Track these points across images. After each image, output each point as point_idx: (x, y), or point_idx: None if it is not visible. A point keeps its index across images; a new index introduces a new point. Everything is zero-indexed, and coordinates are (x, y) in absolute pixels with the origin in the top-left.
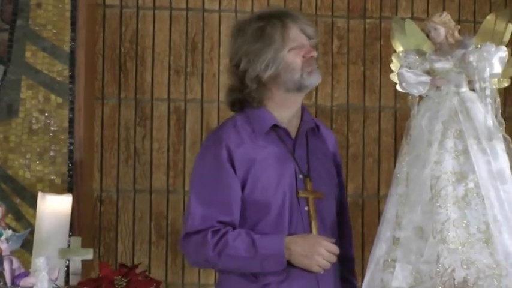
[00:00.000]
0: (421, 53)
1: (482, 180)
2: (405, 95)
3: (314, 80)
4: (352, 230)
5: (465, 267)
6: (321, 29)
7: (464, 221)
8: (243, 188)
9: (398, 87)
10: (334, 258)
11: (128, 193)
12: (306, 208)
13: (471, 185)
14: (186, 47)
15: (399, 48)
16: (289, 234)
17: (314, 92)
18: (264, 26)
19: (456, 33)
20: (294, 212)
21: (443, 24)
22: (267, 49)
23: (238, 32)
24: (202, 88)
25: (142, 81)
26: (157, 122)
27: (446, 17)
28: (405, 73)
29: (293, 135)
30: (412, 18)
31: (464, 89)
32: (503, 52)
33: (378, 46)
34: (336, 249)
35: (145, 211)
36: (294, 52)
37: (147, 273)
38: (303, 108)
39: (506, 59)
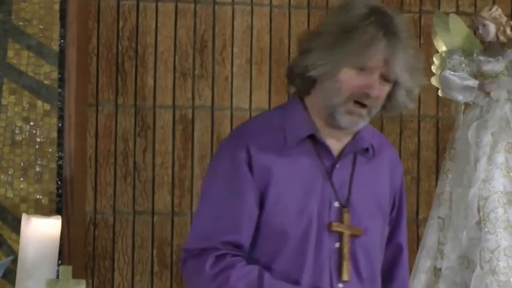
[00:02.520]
0: (467, 53)
1: None
2: (449, 102)
3: (346, 123)
4: (408, 282)
5: None
6: None
7: None
8: (260, 205)
9: (440, 93)
10: None
11: (127, 215)
12: (338, 245)
13: None
14: (194, 45)
15: (442, 47)
16: (314, 277)
17: None
18: (358, 23)
19: (508, 31)
20: (322, 248)
21: (493, 20)
22: (334, 49)
23: (340, 9)
24: (213, 93)
25: (143, 85)
26: (161, 132)
27: (497, 11)
28: (449, 76)
29: (336, 153)
30: (457, 12)
31: None
32: None
33: (418, 44)
34: None
35: (146, 236)
36: (356, 75)
37: None
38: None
39: None
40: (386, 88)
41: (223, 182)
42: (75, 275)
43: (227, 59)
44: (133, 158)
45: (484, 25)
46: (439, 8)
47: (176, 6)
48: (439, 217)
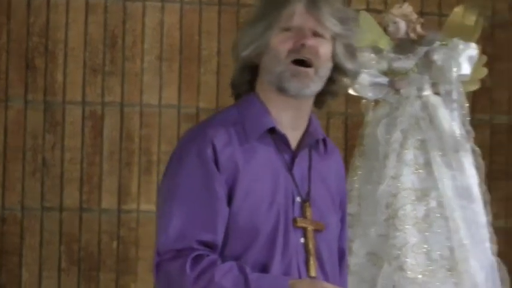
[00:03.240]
0: (377, 51)
1: (446, 198)
2: (358, 99)
3: (295, 86)
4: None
5: None
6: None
7: (425, 246)
8: (229, 201)
9: (349, 90)
10: None
11: (35, 211)
12: (302, 240)
13: (433, 204)
14: (105, 41)
15: None
16: (284, 273)
17: None
18: None
19: (418, 28)
20: (289, 243)
21: (404, 17)
22: (256, 23)
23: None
24: (123, 90)
25: (53, 81)
26: (70, 128)
27: (407, 8)
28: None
29: (293, 147)
30: (368, 10)
31: (427, 92)
32: (472, 50)
33: None
34: None
35: (54, 232)
36: (285, 36)
37: None
38: (311, 117)
39: (477, 58)
40: (325, 44)
41: (193, 180)
42: None
43: (137, 56)
44: (43, 154)
45: (394, 22)
46: (349, 6)
47: (87, 2)
48: (348, 214)
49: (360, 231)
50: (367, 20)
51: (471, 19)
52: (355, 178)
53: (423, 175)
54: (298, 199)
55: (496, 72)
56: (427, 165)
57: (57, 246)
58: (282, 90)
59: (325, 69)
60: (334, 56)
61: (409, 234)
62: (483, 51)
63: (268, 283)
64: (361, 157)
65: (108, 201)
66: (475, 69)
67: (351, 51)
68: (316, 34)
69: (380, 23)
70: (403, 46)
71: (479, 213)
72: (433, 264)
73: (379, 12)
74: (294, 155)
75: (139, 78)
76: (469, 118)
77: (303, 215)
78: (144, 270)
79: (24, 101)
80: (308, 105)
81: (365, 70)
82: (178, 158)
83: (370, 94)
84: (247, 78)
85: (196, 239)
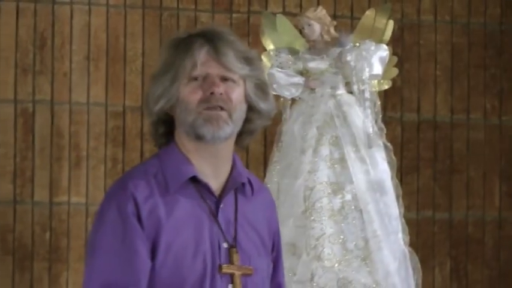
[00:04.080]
0: (293, 52)
1: (360, 191)
2: (276, 98)
3: (208, 131)
4: None
5: (342, 287)
6: (183, 24)
7: (341, 237)
8: (152, 256)
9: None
10: None
11: None
12: (230, 286)
13: (348, 197)
14: (34, 43)
15: (269, 46)
16: None
17: None
18: (174, 47)
19: (332, 30)
20: None
21: (318, 20)
22: (164, 76)
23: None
24: (52, 88)
25: None
26: (3, 125)
27: (321, 12)
28: (276, 73)
29: (217, 193)
30: (284, 13)
31: (341, 91)
32: (383, 51)
33: (246, 43)
34: None
35: None
36: (193, 85)
37: None
38: (234, 160)
39: (388, 59)
40: (235, 87)
41: (114, 236)
42: None
43: (66, 56)
44: None
45: (309, 25)
46: (266, 9)
47: (17, 6)
48: None
49: (279, 223)
50: (283, 22)
51: (382, 22)
52: (274, 172)
53: (338, 170)
54: (224, 245)
55: (405, 72)
56: (342, 160)
57: None
58: (198, 137)
59: (239, 112)
60: (246, 97)
61: (326, 226)
62: (393, 53)
63: None
64: (280, 152)
65: (40, 194)
66: (386, 70)
67: (263, 90)
68: (224, 79)
69: (296, 26)
70: (318, 47)
71: (392, 206)
72: (349, 254)
73: (294, 15)
74: (218, 202)
75: (68, 77)
76: (381, 116)
77: (230, 261)
78: (75, 259)
79: None
80: (227, 150)
81: (282, 70)
82: (100, 213)
83: (287, 93)
84: (164, 130)
85: None
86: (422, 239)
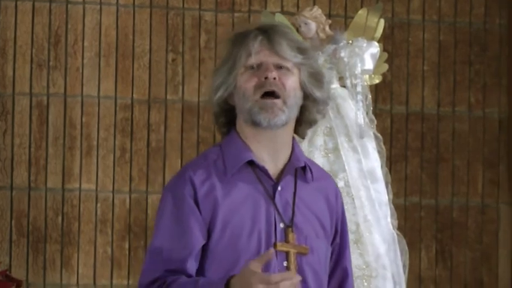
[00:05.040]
0: None
1: (352, 179)
2: None
3: (265, 118)
4: None
5: None
6: (188, 23)
7: None
8: (209, 234)
9: None
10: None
11: None
12: (285, 264)
13: (341, 184)
14: (49, 40)
15: None
16: None
17: (181, 87)
18: (231, 41)
19: (327, 28)
20: (270, 267)
21: (314, 19)
22: (222, 67)
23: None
24: (66, 82)
25: (3, 75)
26: (19, 117)
27: (317, 11)
28: None
29: (275, 176)
30: (282, 12)
31: (335, 85)
32: (375, 48)
33: None
34: (280, 277)
35: (5, 209)
36: (249, 74)
37: (8, 272)
38: (294, 146)
39: (378, 55)
40: (289, 75)
41: (172, 216)
42: None
43: (78, 52)
44: None
45: (305, 23)
46: (266, 8)
47: (33, 5)
48: None
49: None
50: (281, 21)
51: (373, 21)
52: None
53: (332, 158)
54: (281, 225)
55: (395, 68)
56: (336, 149)
57: (8, 221)
58: (255, 124)
59: (294, 98)
60: (301, 84)
61: None
62: (384, 49)
63: (212, 281)
64: None
65: (53, 181)
66: (377, 65)
67: (317, 79)
68: (279, 67)
69: (293, 24)
70: (314, 45)
71: (382, 192)
72: None
73: (292, 14)
74: (275, 185)
75: (80, 72)
76: (372, 108)
77: (285, 239)
78: (86, 242)
79: None
80: (285, 135)
81: None
82: (163, 199)
83: None
84: (226, 120)
85: (166, 268)
86: (410, 223)
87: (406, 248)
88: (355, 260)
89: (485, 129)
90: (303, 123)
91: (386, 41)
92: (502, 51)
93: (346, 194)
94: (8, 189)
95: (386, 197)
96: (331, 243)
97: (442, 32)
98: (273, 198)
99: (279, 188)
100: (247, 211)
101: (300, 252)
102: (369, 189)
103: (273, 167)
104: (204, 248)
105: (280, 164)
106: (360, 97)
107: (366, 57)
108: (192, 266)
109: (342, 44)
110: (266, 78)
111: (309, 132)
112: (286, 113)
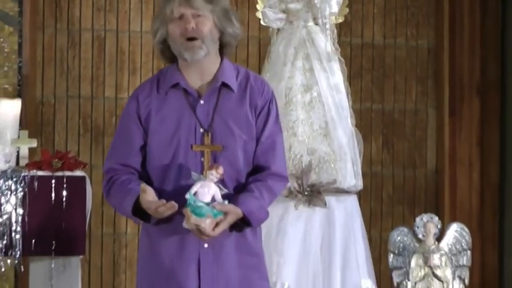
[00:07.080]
0: None
1: (323, 91)
2: (267, 28)
3: (188, 55)
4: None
5: (310, 154)
6: None
7: (310, 120)
8: (146, 140)
9: (262, 22)
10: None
11: (63, 99)
12: (202, 159)
13: (315, 94)
14: None
15: None
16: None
17: None
18: None
19: None
20: (190, 163)
21: None
22: (157, 18)
23: None
24: (117, 21)
25: (72, 15)
26: (84, 47)
27: None
28: (267, 12)
29: (202, 92)
30: None
31: (311, 23)
32: None
33: None
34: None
35: (75, 112)
36: (176, 24)
37: (76, 157)
38: (223, 68)
39: (342, 1)
40: (205, 20)
41: (121, 125)
42: (30, 136)
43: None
44: (67, 62)
45: None
46: None
47: None
48: None
49: None
50: None
51: None
52: (265, 77)
53: (308, 76)
54: (201, 130)
55: (353, 11)
56: (311, 69)
57: (77, 120)
58: (183, 59)
59: (210, 36)
60: (216, 25)
61: (299, 113)
62: None
63: (132, 193)
64: (269, 64)
65: (109, 92)
66: (340, 9)
67: (228, 18)
68: (197, 15)
69: None
70: None
71: (344, 100)
72: (315, 132)
73: None
74: (198, 99)
75: (128, 14)
76: (336, 40)
77: (202, 141)
78: None
79: (54, 28)
80: (207, 62)
81: (271, 9)
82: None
83: (274, 25)
84: (171, 54)
85: (115, 161)
86: (364, 122)
87: (361, 139)
88: (324, 148)
89: (418, 55)
90: (224, 47)
91: None
92: None
93: (318, 101)
94: (77, 98)
95: (347, 103)
96: (256, 132)
97: None
98: (194, 109)
99: (202, 102)
100: (173, 121)
101: (214, 149)
102: (335, 98)
103: (201, 87)
104: (146, 150)
105: (206, 81)
106: (328, 32)
107: (333, 3)
108: (134, 161)
109: None
110: (186, 28)
111: (292, 57)
112: (204, 49)
